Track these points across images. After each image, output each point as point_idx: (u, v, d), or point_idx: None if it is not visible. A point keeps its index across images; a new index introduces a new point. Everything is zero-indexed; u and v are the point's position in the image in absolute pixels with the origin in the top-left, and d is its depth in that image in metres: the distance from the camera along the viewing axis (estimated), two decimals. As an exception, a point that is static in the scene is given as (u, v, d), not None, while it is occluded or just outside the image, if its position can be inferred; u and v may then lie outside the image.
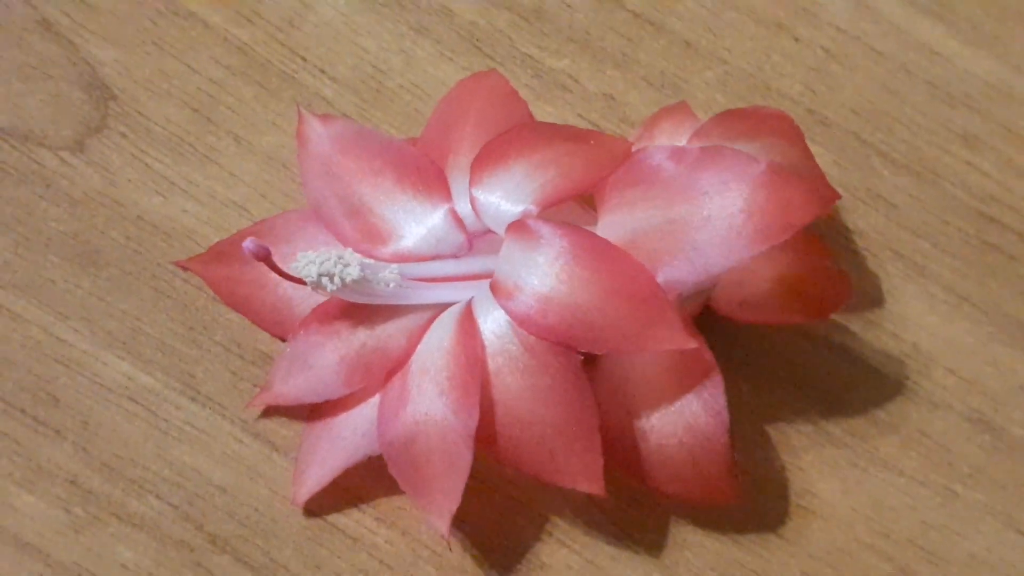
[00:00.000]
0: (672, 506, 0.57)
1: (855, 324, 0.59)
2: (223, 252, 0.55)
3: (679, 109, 0.59)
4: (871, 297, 0.60)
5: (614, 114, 0.61)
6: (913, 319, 0.60)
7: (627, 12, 0.63)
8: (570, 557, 0.57)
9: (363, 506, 0.55)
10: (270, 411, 0.57)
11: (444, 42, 0.62)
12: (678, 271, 0.51)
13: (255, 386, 0.56)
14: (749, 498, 0.58)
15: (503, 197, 0.53)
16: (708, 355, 0.53)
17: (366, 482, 0.54)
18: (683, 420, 0.53)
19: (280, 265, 0.53)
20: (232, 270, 0.56)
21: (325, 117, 0.57)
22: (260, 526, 0.54)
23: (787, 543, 0.56)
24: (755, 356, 0.58)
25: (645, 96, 0.62)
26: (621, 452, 0.53)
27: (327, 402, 0.54)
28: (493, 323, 0.52)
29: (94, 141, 0.60)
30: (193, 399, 0.56)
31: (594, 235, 0.51)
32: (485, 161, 0.54)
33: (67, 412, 0.56)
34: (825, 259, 0.56)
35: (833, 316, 0.60)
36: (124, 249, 0.58)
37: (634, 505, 0.56)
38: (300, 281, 0.52)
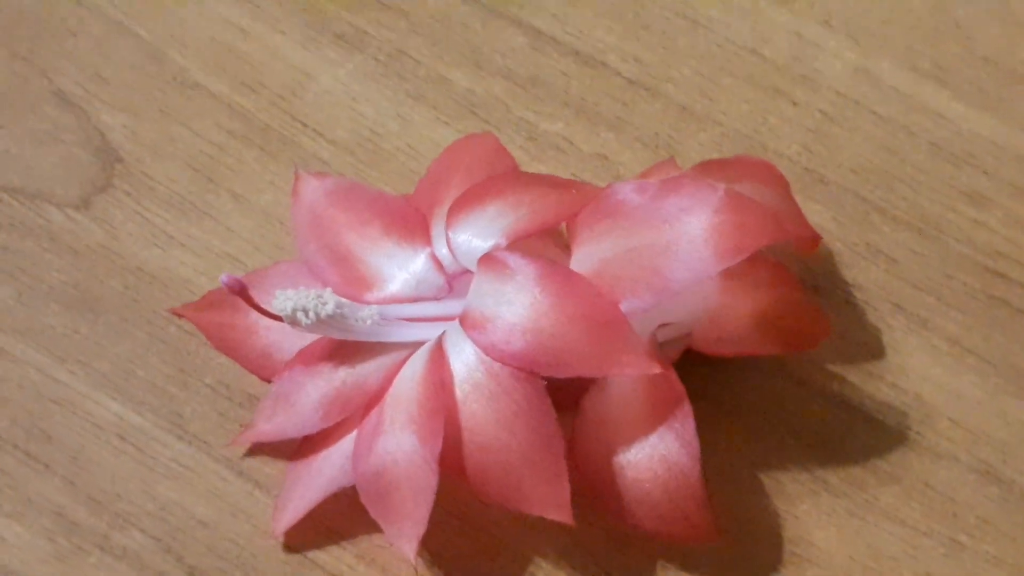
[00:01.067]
0: (659, 549, 0.56)
1: (854, 375, 0.59)
2: (216, 300, 0.57)
3: (668, 164, 0.60)
4: (871, 349, 0.60)
5: (607, 172, 0.63)
6: (916, 371, 0.59)
7: (622, 79, 0.65)
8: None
9: (343, 543, 0.56)
10: (255, 450, 0.58)
11: (440, 108, 0.65)
12: (640, 295, 0.51)
13: (242, 426, 0.58)
14: (743, 545, 0.57)
15: (475, 234, 0.54)
16: (676, 383, 0.53)
17: (346, 519, 0.55)
18: (657, 453, 0.53)
19: (256, 317, 0.55)
20: (224, 317, 0.58)
21: (320, 174, 0.60)
22: (240, 560, 0.55)
23: (781, 590, 0.55)
24: (748, 403, 0.58)
25: (639, 156, 0.63)
26: (602, 492, 0.53)
27: (310, 441, 0.56)
28: (461, 353, 0.53)
29: (99, 199, 0.63)
30: (180, 437, 0.58)
31: (560, 265, 0.52)
32: (462, 204, 0.56)
33: (58, 448, 0.59)
34: (798, 293, 0.57)
35: (830, 366, 0.60)
36: (122, 297, 0.60)
37: (619, 548, 0.56)
38: (277, 317, 0.54)
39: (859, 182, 0.61)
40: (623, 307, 0.51)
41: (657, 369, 0.51)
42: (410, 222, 0.57)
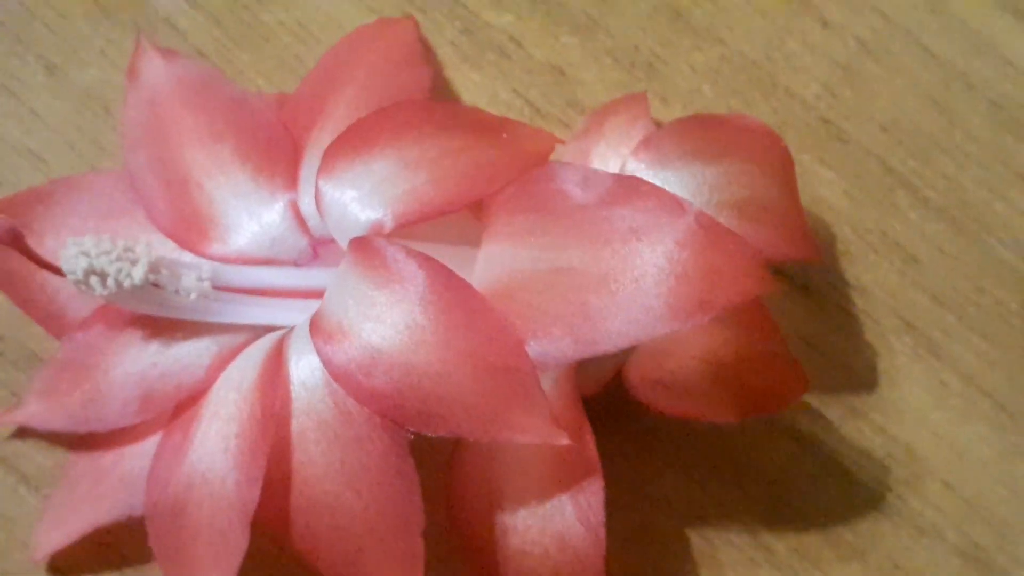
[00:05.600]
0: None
1: (832, 410, 0.48)
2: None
3: (638, 102, 0.45)
4: (862, 377, 0.49)
5: (560, 94, 0.48)
6: (912, 412, 0.49)
7: (603, -40, 0.49)
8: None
9: (126, 569, 0.44)
10: (25, 431, 0.46)
11: (352, -30, 0.49)
12: (556, 342, 0.38)
13: (13, 394, 0.46)
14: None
15: (353, 196, 0.40)
16: (590, 451, 0.39)
17: (132, 538, 0.43)
18: (552, 527, 0.41)
19: (57, 247, 0.40)
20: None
21: (168, 52, 0.44)
22: (-18, 580, 0.43)
23: None
24: (690, 440, 0.46)
25: (606, 75, 0.48)
26: (475, 549, 0.41)
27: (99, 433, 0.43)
28: (305, 370, 0.39)
29: None
30: (-73, 402, 0.45)
31: (459, 279, 0.38)
32: (344, 145, 0.41)
33: None
34: (774, 342, 0.42)
35: (805, 396, 0.45)
36: None
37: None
38: (61, 273, 0.39)
39: (888, 145, 0.48)
40: (530, 349, 0.37)
41: (563, 440, 0.37)
42: (275, 149, 0.43)
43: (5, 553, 0.45)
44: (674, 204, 0.39)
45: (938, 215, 0.50)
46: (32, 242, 0.44)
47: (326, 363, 0.40)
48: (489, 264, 0.41)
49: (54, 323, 0.45)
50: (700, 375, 0.43)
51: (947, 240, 0.50)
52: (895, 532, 0.48)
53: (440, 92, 0.48)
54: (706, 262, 0.38)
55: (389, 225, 0.41)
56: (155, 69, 0.46)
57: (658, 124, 0.49)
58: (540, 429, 0.38)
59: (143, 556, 0.45)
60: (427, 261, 0.39)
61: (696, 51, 0.50)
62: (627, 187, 0.39)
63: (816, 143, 0.50)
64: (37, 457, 0.46)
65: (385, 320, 0.39)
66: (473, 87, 0.49)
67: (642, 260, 0.38)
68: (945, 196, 0.50)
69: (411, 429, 0.39)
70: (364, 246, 0.40)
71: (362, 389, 0.39)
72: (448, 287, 0.39)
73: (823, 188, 0.49)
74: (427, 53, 0.47)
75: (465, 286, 0.39)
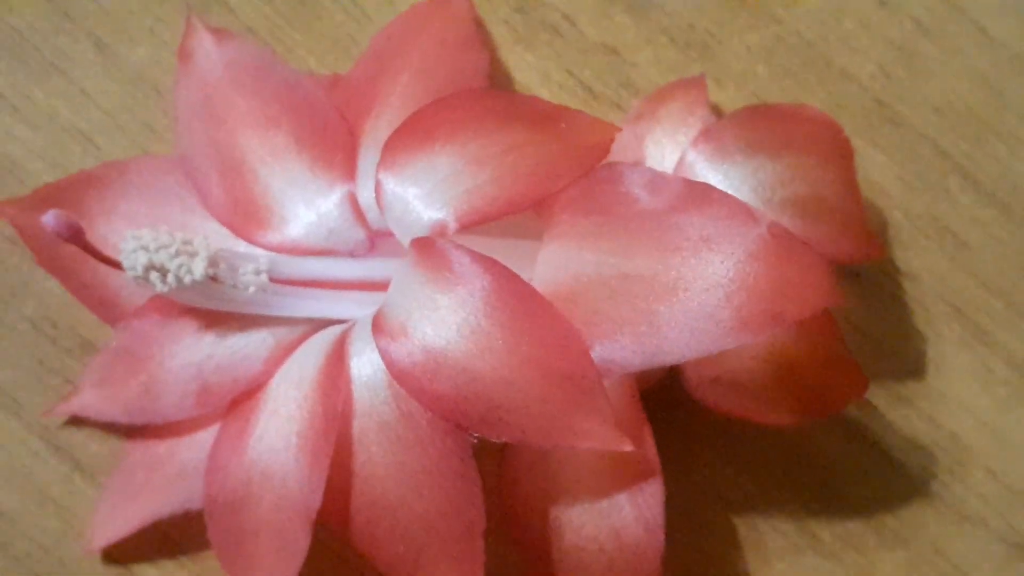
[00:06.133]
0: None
1: (879, 398, 0.48)
2: (51, 198, 0.44)
3: (696, 86, 0.44)
4: (908, 364, 0.49)
5: (614, 75, 0.47)
6: (958, 400, 0.49)
7: (660, -66, 0.48)
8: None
9: (182, 557, 0.45)
10: (80, 419, 0.46)
11: (407, -50, 0.48)
12: (621, 350, 0.37)
13: (67, 382, 0.46)
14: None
15: (416, 195, 0.39)
16: (651, 453, 0.39)
17: (186, 526, 0.43)
18: (609, 524, 0.41)
19: (108, 233, 0.39)
20: (60, 224, 0.42)
21: (220, 32, 0.43)
22: (43, 567, 0.43)
23: None
24: (738, 428, 0.46)
25: (661, 55, 0.47)
26: (530, 541, 0.41)
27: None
28: (367, 368, 0.39)
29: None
30: (-17, 390, 0.44)
31: (524, 284, 0.38)
32: (405, 138, 0.40)
33: None
34: (836, 343, 0.41)
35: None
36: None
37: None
38: (121, 267, 0.38)
39: (943, 128, 0.47)
40: (595, 355, 0.36)
41: (628, 447, 0.37)
42: (331, 137, 0.42)
43: (61, 541, 0.45)
44: (746, 214, 0.38)
45: (989, 200, 0.49)
46: (84, 226, 0.43)
47: (388, 364, 0.39)
48: (552, 265, 0.40)
49: (107, 310, 0.44)
50: (760, 376, 0.42)
51: (998, 225, 0.49)
52: (938, 519, 0.48)
53: (493, 74, 0.47)
54: (778, 275, 0.38)
55: (453, 227, 0.40)
56: (207, 50, 0.45)
57: (714, 108, 0.48)
58: (604, 435, 0.38)
59: (200, 544, 0.44)
60: (491, 264, 0.39)
61: (751, 31, 0.49)
62: (698, 194, 0.39)
63: (869, 126, 0.49)
64: (91, 445, 0.45)
65: (449, 324, 0.39)
66: (526, 67, 0.48)
67: (713, 270, 0.38)
68: (998, 181, 0.49)
69: (474, 433, 0.39)
70: (427, 247, 0.40)
71: (425, 392, 0.39)
72: (512, 291, 0.39)
73: (875, 172, 0.49)
74: (483, 34, 0.46)
75: (530, 290, 0.39)
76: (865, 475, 0.48)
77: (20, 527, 0.45)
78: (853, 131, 0.49)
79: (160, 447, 0.43)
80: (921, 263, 0.49)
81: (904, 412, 0.48)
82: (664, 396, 0.44)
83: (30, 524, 0.45)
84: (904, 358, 0.49)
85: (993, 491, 0.48)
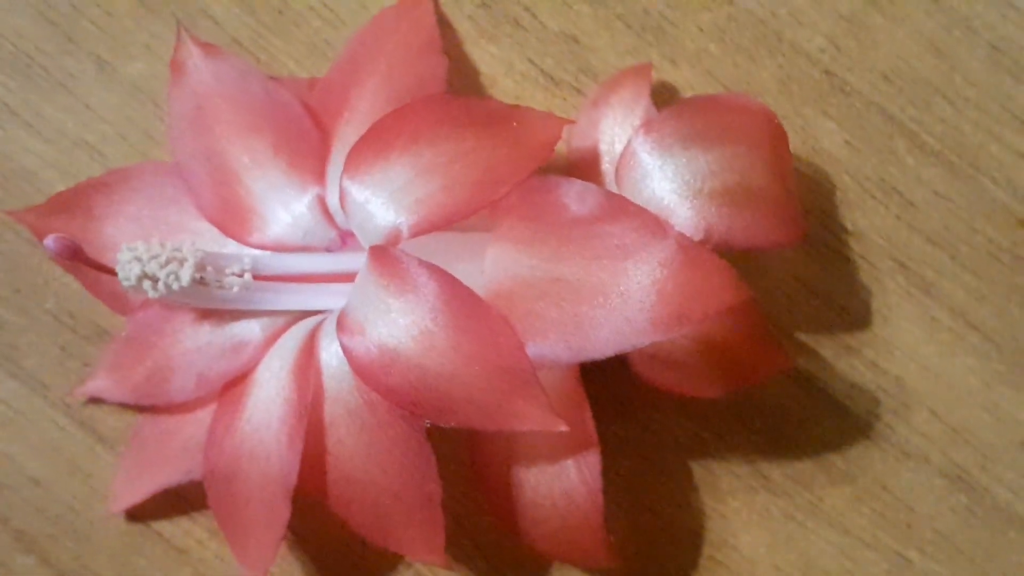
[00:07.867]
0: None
1: (827, 347, 0.50)
2: (64, 204, 0.48)
3: (640, 74, 0.48)
4: (856, 316, 0.51)
5: (574, 62, 0.50)
6: (903, 347, 0.51)
7: (614, -75, 0.51)
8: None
9: (194, 514, 0.50)
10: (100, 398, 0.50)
11: (374, -46, 0.51)
12: (552, 346, 0.42)
13: (85, 365, 0.51)
14: (656, 546, 0.50)
15: (374, 202, 0.44)
16: (589, 428, 0.44)
17: (200, 488, 0.47)
18: (560, 485, 0.46)
19: (115, 234, 0.46)
20: (72, 227, 0.48)
21: (208, 47, 0.48)
22: (74, 527, 0.49)
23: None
24: None
25: (618, 40, 0.51)
26: (497, 500, 0.48)
27: (163, 398, 0.47)
28: (334, 359, 0.44)
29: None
30: (13, 374, 0.50)
31: (466, 289, 0.43)
32: (366, 147, 0.45)
33: None
34: (758, 321, 0.46)
35: (801, 335, 0.51)
36: (-57, 190, 0.50)
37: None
38: (117, 275, 0.44)
39: (890, 94, 0.50)
40: (529, 350, 0.42)
41: (562, 427, 0.42)
42: (304, 143, 0.47)
43: (88, 502, 0.50)
44: (657, 226, 0.42)
45: (935, 159, 0.52)
46: (93, 228, 0.49)
47: (349, 358, 0.44)
48: (496, 265, 0.45)
49: (117, 303, 0.49)
50: (690, 353, 0.47)
51: (942, 183, 0.52)
52: (883, 457, 0.51)
53: (460, 67, 0.50)
54: (685, 280, 0.42)
55: (405, 234, 0.45)
56: (196, 64, 0.49)
57: (669, 88, 0.52)
58: (540, 418, 0.43)
59: (200, 496, 0.48)
60: (438, 273, 0.44)
61: (704, 11, 0.52)
62: (616, 206, 0.43)
63: (819, 96, 0.52)
64: (110, 419, 0.50)
65: (400, 325, 0.44)
66: (491, 59, 0.51)
67: (628, 277, 0.42)
68: (942, 140, 0.52)
69: (426, 420, 0.44)
70: (382, 255, 0.44)
71: (381, 384, 0.44)
72: (456, 296, 0.43)
73: (825, 139, 0.52)
74: (444, 37, 0.49)
75: (471, 295, 0.44)
76: (814, 419, 0.51)
77: (53, 493, 0.50)
78: (803, 101, 0.52)
79: (168, 422, 0.49)
80: (868, 222, 0.52)
81: (851, 361, 0.52)
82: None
83: (61, 490, 0.50)
84: (851, 311, 0.52)
85: (935, 430, 0.52)
